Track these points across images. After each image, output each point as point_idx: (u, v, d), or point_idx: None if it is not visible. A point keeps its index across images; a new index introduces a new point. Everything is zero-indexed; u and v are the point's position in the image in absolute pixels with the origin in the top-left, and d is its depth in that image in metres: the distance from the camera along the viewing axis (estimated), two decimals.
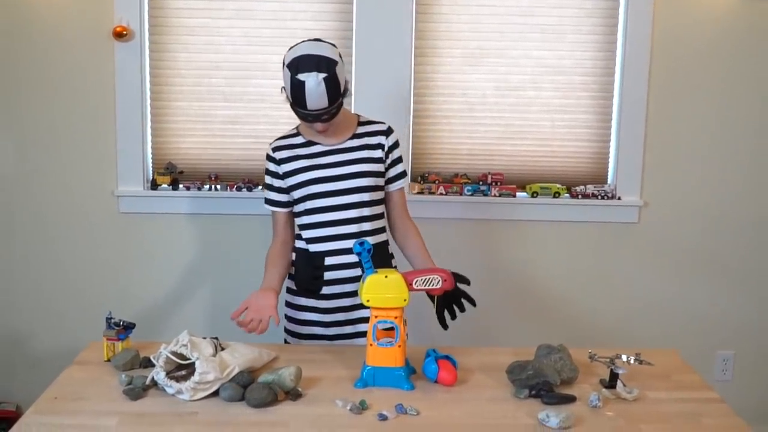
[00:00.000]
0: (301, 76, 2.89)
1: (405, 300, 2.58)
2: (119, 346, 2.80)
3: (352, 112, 3.39)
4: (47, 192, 4.34)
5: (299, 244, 3.26)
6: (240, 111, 4.31)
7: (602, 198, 4.38)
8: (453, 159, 4.43)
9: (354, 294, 3.15)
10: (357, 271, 3.13)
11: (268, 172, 3.26)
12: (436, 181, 4.36)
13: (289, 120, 4.23)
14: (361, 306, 3.12)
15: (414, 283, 2.60)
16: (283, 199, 3.25)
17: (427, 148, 4.41)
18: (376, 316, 2.59)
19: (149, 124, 4.33)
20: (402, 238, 3.30)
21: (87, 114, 4.28)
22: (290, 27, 4.25)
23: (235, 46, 4.28)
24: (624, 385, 2.57)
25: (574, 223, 4.43)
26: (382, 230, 3.27)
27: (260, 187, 4.31)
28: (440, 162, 4.44)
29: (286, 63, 2.95)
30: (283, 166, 3.20)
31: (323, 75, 2.89)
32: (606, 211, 4.41)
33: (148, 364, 2.73)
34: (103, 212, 4.35)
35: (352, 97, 4.27)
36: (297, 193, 3.19)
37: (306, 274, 3.23)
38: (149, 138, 4.35)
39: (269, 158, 3.25)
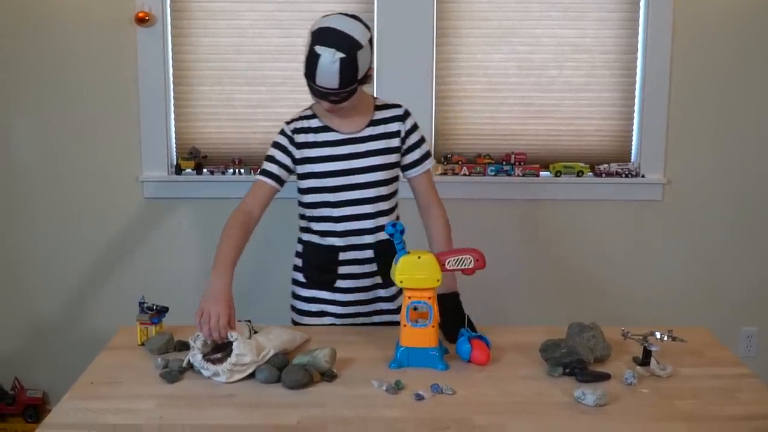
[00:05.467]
0: (318, 49, 2.77)
1: (438, 280, 2.58)
2: (153, 330, 2.81)
3: (374, 95, 3.25)
4: (72, 179, 4.37)
5: (307, 236, 3.17)
6: (263, 95, 4.32)
7: (626, 176, 4.37)
8: (476, 139, 4.43)
9: (369, 288, 3.16)
10: (372, 267, 3.13)
11: (279, 146, 3.07)
12: (460, 162, 4.37)
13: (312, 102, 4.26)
14: (377, 299, 3.18)
15: (447, 263, 2.59)
16: (281, 175, 3.05)
17: (449, 129, 4.42)
18: (409, 297, 2.59)
19: (172, 109, 4.35)
20: (427, 225, 3.17)
21: (110, 100, 4.30)
22: (311, 9, 4.25)
23: (257, 29, 4.28)
24: (657, 363, 2.57)
25: (598, 201, 4.44)
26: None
27: None
28: (463, 142, 4.44)
29: (312, 29, 2.85)
30: (301, 151, 3.05)
31: (341, 55, 2.76)
32: (630, 189, 4.41)
33: (182, 347, 2.74)
34: (127, 198, 4.37)
35: (374, 78, 4.27)
36: (308, 183, 3.08)
37: (318, 267, 3.15)
38: (173, 123, 4.37)
39: (286, 135, 3.06)
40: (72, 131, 4.33)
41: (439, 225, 3.13)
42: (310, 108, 3.12)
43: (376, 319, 3.20)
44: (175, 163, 4.38)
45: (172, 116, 4.36)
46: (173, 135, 4.39)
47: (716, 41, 4.32)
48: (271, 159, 3.09)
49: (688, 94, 4.35)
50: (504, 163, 4.37)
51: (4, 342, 4.55)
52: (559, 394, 2.40)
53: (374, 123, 3.07)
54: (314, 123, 3.07)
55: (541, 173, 4.39)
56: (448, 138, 4.43)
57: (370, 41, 2.89)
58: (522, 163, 4.36)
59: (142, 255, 4.45)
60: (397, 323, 2.99)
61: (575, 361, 2.53)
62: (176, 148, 4.41)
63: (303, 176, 3.09)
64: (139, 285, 4.28)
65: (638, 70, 4.38)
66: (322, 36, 2.80)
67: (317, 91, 2.86)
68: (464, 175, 4.35)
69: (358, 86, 2.88)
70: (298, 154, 3.06)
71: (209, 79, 4.35)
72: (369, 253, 3.10)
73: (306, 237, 3.19)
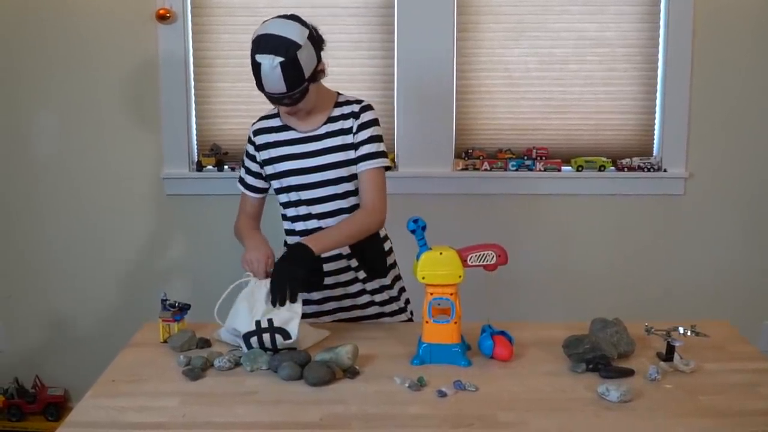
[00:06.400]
0: (258, 57, 2.78)
1: (460, 276, 2.57)
2: (175, 328, 2.81)
3: (340, 91, 3.13)
4: (94, 176, 4.38)
5: (290, 239, 3.15)
6: None
7: (648, 170, 4.36)
8: (497, 134, 4.42)
9: (345, 284, 3.14)
10: (343, 263, 3.11)
11: (247, 154, 3.16)
12: (481, 157, 4.36)
13: None
14: (350, 295, 3.16)
15: (469, 259, 2.59)
16: (257, 185, 3.17)
17: (470, 124, 4.41)
18: (431, 293, 2.58)
19: (193, 106, 4.36)
20: None
21: (132, 97, 4.31)
22: (331, 5, 4.25)
23: None
24: (681, 358, 2.56)
25: (619, 196, 4.42)
26: None
27: None
28: (484, 137, 4.43)
29: (252, 38, 2.85)
30: (261, 152, 3.10)
31: (279, 59, 2.75)
32: (651, 183, 4.39)
33: (204, 344, 2.75)
34: (149, 195, 4.39)
35: (395, 75, 4.28)
36: (276, 183, 3.10)
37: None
38: (194, 120, 4.38)
39: (249, 140, 3.14)
40: (93, 128, 4.34)
41: (355, 217, 3.02)
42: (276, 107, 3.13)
43: (358, 313, 3.19)
44: (196, 159, 4.39)
45: (193, 113, 4.37)
46: (194, 132, 4.40)
47: (737, 34, 4.30)
48: (245, 169, 3.20)
49: (709, 88, 4.33)
50: (525, 158, 4.36)
51: (25, 340, 4.57)
52: (582, 390, 2.39)
53: (331, 120, 3.03)
54: (275, 122, 3.10)
55: (562, 168, 4.39)
56: (468, 133, 4.42)
57: (312, 38, 2.86)
58: (543, 158, 4.35)
59: (164, 251, 4.47)
60: (381, 314, 3.11)
61: (599, 357, 2.52)
62: (197, 144, 4.42)
63: (270, 177, 3.12)
64: (161, 282, 4.30)
65: (659, 64, 4.36)
66: (260, 44, 2.80)
67: (270, 98, 2.88)
68: (485, 170, 4.34)
69: (309, 85, 2.86)
70: (260, 156, 3.11)
71: (230, 75, 4.35)
72: (345, 249, 3.08)
73: (289, 239, 3.17)
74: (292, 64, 2.76)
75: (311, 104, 2.94)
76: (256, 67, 2.79)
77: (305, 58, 2.80)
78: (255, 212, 3.21)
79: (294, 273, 2.73)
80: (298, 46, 2.78)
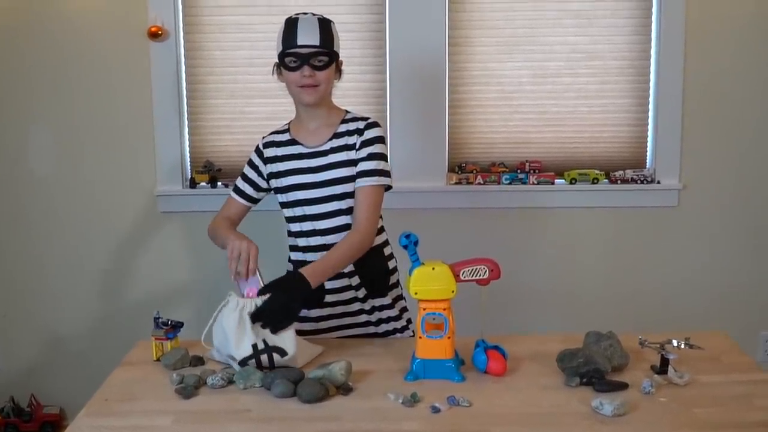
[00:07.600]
0: (295, 15, 2.96)
1: (453, 291, 2.57)
2: (168, 346, 2.80)
3: (346, 108, 3.18)
4: (87, 193, 4.38)
5: (294, 254, 3.16)
6: (277, 107, 4.30)
7: (641, 182, 4.36)
8: (490, 148, 4.42)
9: (345, 302, 3.14)
10: (344, 281, 3.11)
11: (250, 163, 3.17)
12: (474, 171, 4.36)
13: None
14: (350, 314, 3.17)
15: (461, 274, 2.58)
16: (246, 191, 3.18)
17: (463, 138, 4.41)
18: (424, 309, 2.57)
19: (186, 122, 4.36)
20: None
21: (124, 115, 4.31)
22: None
23: (269, 42, 4.25)
24: (675, 370, 2.55)
25: (613, 208, 4.42)
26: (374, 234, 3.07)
27: None
28: (477, 151, 4.43)
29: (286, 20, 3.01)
30: (268, 166, 3.11)
31: (318, 16, 2.96)
32: (645, 195, 4.39)
33: (197, 362, 2.74)
34: (143, 212, 4.38)
35: (387, 90, 4.29)
36: (283, 198, 3.11)
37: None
38: (187, 137, 4.37)
39: (257, 150, 3.16)
40: (87, 146, 4.34)
41: (344, 240, 2.96)
42: (287, 123, 3.18)
43: (357, 331, 3.18)
44: (189, 176, 4.38)
45: (186, 130, 4.37)
46: (187, 149, 4.40)
47: (728, 46, 4.31)
48: (242, 175, 3.20)
49: (702, 99, 4.34)
50: (518, 171, 4.36)
51: (20, 358, 4.56)
52: (576, 405, 2.38)
53: (337, 136, 3.05)
54: (284, 137, 3.12)
55: (556, 181, 4.39)
56: (461, 147, 4.42)
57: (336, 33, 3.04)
58: (537, 171, 4.35)
59: (158, 269, 4.45)
60: (375, 335, 3.13)
61: (592, 371, 2.51)
62: (190, 161, 4.42)
63: (277, 191, 3.13)
64: (154, 299, 4.29)
65: (651, 76, 4.36)
66: (296, 16, 2.98)
67: (299, 57, 2.92)
68: (479, 183, 4.34)
69: (334, 61, 2.99)
70: (267, 169, 3.13)
71: (222, 92, 4.36)
72: (348, 267, 3.06)
73: (293, 255, 3.18)
74: (328, 25, 2.97)
75: (327, 89, 3.02)
76: (293, 24, 2.94)
77: (336, 34, 3.00)
78: (234, 218, 3.21)
79: (289, 305, 2.71)
80: (331, 21, 3.01)
